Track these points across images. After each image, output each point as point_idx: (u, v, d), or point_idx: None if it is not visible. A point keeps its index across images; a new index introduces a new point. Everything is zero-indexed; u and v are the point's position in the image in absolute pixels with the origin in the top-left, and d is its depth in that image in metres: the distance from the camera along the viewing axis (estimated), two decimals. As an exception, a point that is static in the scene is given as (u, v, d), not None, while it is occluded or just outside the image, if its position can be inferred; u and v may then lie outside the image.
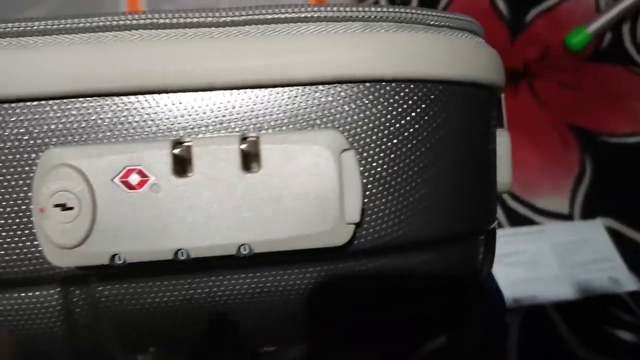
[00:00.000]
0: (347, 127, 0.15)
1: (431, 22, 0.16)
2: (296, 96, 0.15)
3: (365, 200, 0.15)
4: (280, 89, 0.15)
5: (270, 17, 0.15)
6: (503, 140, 0.21)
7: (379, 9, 0.15)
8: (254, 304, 0.16)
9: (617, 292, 0.47)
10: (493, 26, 0.68)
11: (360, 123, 0.15)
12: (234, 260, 0.14)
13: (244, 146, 0.14)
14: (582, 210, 0.53)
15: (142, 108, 0.14)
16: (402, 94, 0.15)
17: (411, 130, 0.15)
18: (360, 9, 0.15)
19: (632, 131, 0.57)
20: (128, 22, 0.14)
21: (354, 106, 0.15)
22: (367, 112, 0.15)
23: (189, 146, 0.14)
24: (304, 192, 0.14)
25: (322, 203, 0.14)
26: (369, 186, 0.15)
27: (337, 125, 0.15)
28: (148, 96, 0.14)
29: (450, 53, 0.15)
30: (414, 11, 0.16)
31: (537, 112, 0.60)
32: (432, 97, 0.16)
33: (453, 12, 0.17)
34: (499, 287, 0.29)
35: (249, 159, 0.14)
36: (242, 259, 0.14)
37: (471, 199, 0.17)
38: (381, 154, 0.15)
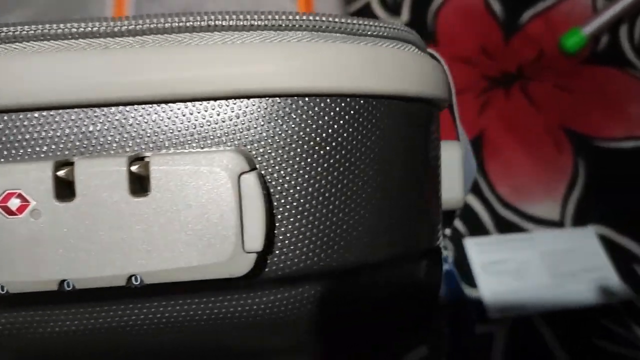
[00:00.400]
0: (255, 145, 0.14)
1: (355, 31, 0.15)
2: (195, 112, 0.13)
3: (277, 225, 0.14)
4: (177, 104, 0.13)
5: (171, 25, 0.14)
6: (451, 154, 0.19)
7: (294, 17, 0.14)
8: (156, 335, 0.14)
9: (609, 303, 0.46)
10: (487, 27, 0.66)
11: (269, 141, 0.14)
12: (128, 289, 0.13)
13: (134, 168, 0.13)
14: (573, 217, 0.51)
15: (25, 126, 0.13)
16: (316, 109, 0.14)
17: (328, 148, 0.14)
18: (274, 16, 0.14)
19: (627, 135, 0.55)
20: (3, 34, 0.13)
21: (262, 123, 0.14)
22: (277, 129, 0.14)
23: (73, 167, 0.13)
24: (198, 218, 0.13)
25: (219, 231, 0.13)
26: (281, 209, 0.14)
27: (243, 144, 0.14)
28: (34, 113, 0.13)
29: (370, 65, 0.14)
30: (334, 20, 0.14)
31: (531, 115, 0.58)
32: (351, 112, 0.14)
33: (385, 20, 0.16)
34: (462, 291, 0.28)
35: (139, 182, 0.13)
36: (139, 288, 0.13)
37: (405, 220, 0.16)
38: (294, 175, 0.14)
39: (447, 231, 0.26)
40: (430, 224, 0.18)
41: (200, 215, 0.13)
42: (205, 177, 0.13)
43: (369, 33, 0.15)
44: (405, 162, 0.16)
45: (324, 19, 0.14)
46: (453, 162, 0.19)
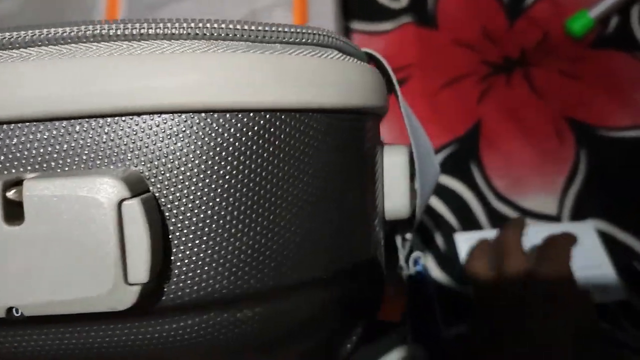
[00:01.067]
0: (148, 165, 0.13)
1: (263, 39, 0.13)
2: (82, 132, 0.12)
3: (175, 250, 0.13)
4: (63, 122, 0.12)
5: (62, 34, 0.13)
6: (395, 160, 0.18)
7: (189, 25, 0.13)
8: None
9: (604, 302, 0.44)
10: (490, 10, 0.63)
11: (163, 161, 0.13)
12: (12, 320, 0.12)
13: (10, 193, 0.12)
14: (572, 211, 0.48)
15: None
16: (214, 125, 0.13)
17: (229, 168, 0.13)
18: (165, 24, 0.13)
19: (632, 124, 0.52)
20: None
21: (154, 141, 0.13)
22: (173, 148, 0.13)
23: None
24: (76, 249, 0.12)
25: (98, 262, 0.12)
26: (178, 234, 0.13)
27: (135, 164, 0.13)
28: None
29: (274, 76, 0.13)
30: (235, 27, 0.13)
31: (532, 103, 0.55)
32: (255, 128, 0.13)
33: (303, 26, 0.14)
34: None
35: (16, 209, 0.12)
36: (22, 319, 0.12)
37: (323, 239, 0.15)
38: (192, 197, 0.13)
39: (408, 235, 0.24)
40: (365, 238, 0.16)
41: (78, 246, 0.12)
42: (83, 205, 0.12)
43: (280, 40, 0.14)
44: (325, 178, 0.14)
45: (223, 26, 0.13)
46: (397, 169, 0.18)
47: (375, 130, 0.17)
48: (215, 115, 0.13)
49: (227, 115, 0.13)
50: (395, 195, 0.18)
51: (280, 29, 0.13)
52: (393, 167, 0.18)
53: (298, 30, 0.14)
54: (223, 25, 0.13)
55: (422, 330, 0.25)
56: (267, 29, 0.13)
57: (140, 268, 0.12)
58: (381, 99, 0.16)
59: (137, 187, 0.12)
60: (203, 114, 0.12)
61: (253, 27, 0.13)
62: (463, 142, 0.53)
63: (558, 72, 0.57)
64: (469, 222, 0.48)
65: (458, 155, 0.52)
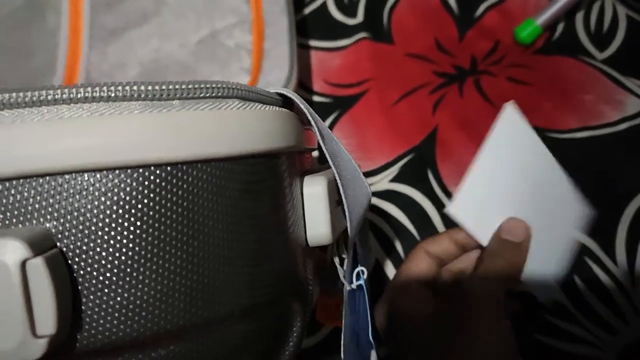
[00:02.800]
0: (54, 223, 0.13)
1: (161, 97, 0.14)
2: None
3: (85, 300, 0.14)
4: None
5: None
6: (313, 193, 0.19)
7: (83, 89, 0.14)
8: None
9: (558, 300, 0.45)
10: (442, 22, 0.65)
11: (69, 217, 0.13)
12: None
13: None
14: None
15: None
16: (115, 181, 0.14)
17: (132, 219, 0.14)
18: (66, 90, 0.14)
19: (581, 125, 0.54)
20: None
21: (59, 200, 0.13)
22: (77, 205, 0.13)
23: None
24: (-16, 306, 0.12)
25: (5, 318, 0.12)
26: (87, 284, 0.14)
27: (42, 222, 0.13)
28: None
29: (171, 132, 0.14)
30: (136, 88, 0.14)
31: (484, 111, 0.57)
32: (157, 181, 0.14)
33: (201, 81, 0.15)
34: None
35: None
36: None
37: (243, 275, 0.16)
38: (98, 249, 0.14)
39: (344, 256, 0.25)
40: (275, 272, 0.17)
41: (-14, 303, 0.12)
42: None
43: (179, 96, 0.15)
44: (232, 221, 0.15)
45: (120, 88, 0.14)
46: (316, 200, 0.19)
47: (287, 166, 0.18)
48: (116, 172, 0.13)
49: (128, 172, 0.13)
50: (316, 224, 0.19)
51: (177, 87, 0.14)
52: (312, 198, 0.19)
53: (196, 86, 0.15)
54: (120, 88, 0.14)
55: (356, 342, 0.26)
56: (163, 87, 0.14)
57: (47, 321, 0.13)
58: (290, 138, 0.17)
59: (42, 245, 0.13)
60: (105, 171, 0.13)
61: (150, 87, 0.14)
62: (420, 151, 0.54)
63: (507, 79, 0.59)
64: (427, 229, 0.49)
65: (415, 163, 0.53)
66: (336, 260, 0.26)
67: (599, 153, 0.52)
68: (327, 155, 0.21)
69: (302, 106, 0.19)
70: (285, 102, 0.21)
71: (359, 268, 0.30)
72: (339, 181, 0.22)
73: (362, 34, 0.64)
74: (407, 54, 0.62)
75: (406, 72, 0.61)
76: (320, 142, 0.20)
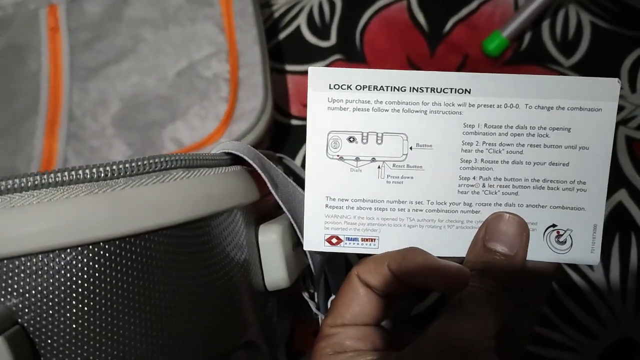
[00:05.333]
0: (15, 301, 0.14)
1: (105, 177, 0.15)
2: None
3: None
4: None
5: None
6: (268, 241, 0.20)
7: (32, 178, 0.15)
8: None
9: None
10: (413, 40, 0.66)
11: (27, 295, 0.14)
12: None
13: None
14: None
15: None
16: (67, 259, 0.14)
17: (86, 293, 0.15)
18: (17, 179, 0.15)
19: (551, 134, 0.55)
20: None
21: (17, 279, 0.14)
22: (33, 284, 0.14)
23: None
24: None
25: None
26: (48, 355, 0.15)
27: (6, 299, 0.14)
28: None
29: (113, 210, 0.15)
30: (80, 172, 0.15)
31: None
32: (102, 258, 0.15)
33: (146, 157, 0.16)
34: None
35: None
36: None
37: (198, 333, 0.16)
38: (56, 323, 0.14)
39: (311, 291, 0.26)
40: (229, 326, 0.18)
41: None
42: None
43: (123, 174, 0.15)
44: (183, 284, 0.16)
45: (66, 173, 0.15)
46: (271, 247, 0.20)
47: (239, 221, 0.19)
48: (68, 251, 0.14)
49: (78, 249, 0.14)
50: (273, 270, 0.20)
51: (121, 166, 0.15)
52: (267, 246, 0.20)
53: (139, 163, 0.16)
54: (66, 173, 0.15)
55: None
56: (107, 168, 0.15)
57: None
58: (237, 196, 0.18)
59: (3, 323, 0.14)
60: (57, 251, 0.14)
61: (95, 170, 0.15)
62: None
63: (479, 92, 0.60)
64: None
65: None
66: (305, 295, 0.27)
67: (569, 159, 0.53)
68: (281, 204, 0.22)
69: (250, 161, 0.20)
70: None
71: (333, 297, 0.31)
72: (295, 226, 0.23)
73: (336, 56, 0.66)
74: (381, 72, 0.64)
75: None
76: (273, 192, 0.21)
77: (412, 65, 0.63)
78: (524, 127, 0.22)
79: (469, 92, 0.22)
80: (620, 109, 0.56)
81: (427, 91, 0.22)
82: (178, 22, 0.65)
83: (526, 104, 0.22)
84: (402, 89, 0.22)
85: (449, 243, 0.23)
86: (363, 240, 0.22)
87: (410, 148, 0.22)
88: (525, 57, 0.62)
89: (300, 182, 0.47)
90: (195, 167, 0.17)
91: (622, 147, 0.53)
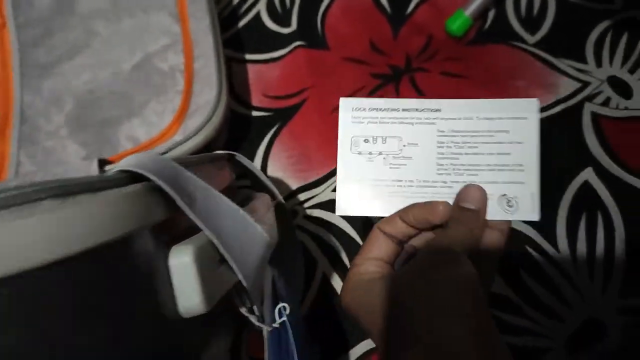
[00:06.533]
0: None
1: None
2: None
3: None
4: None
5: None
6: (180, 263, 0.17)
7: None
8: None
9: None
10: (376, 23, 0.63)
11: None
12: None
13: None
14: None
15: None
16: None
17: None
18: None
19: (516, 113, 0.53)
20: None
21: None
22: None
23: None
24: None
25: None
26: None
27: None
28: None
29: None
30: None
31: (422, 108, 0.55)
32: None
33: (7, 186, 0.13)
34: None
35: None
36: None
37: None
38: None
39: (255, 309, 0.24)
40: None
41: None
42: None
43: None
44: (75, 322, 0.14)
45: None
46: (183, 270, 0.17)
47: (140, 245, 0.17)
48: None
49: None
50: (186, 295, 0.17)
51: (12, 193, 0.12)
52: (179, 269, 0.17)
53: (25, 189, 0.13)
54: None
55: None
56: None
57: None
58: (129, 222, 0.15)
59: None
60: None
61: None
62: (361, 157, 0.53)
63: (442, 74, 0.57)
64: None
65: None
66: (243, 310, 0.24)
67: (535, 139, 0.51)
68: (197, 221, 0.19)
69: (151, 177, 0.17)
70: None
71: (280, 305, 0.28)
72: (216, 241, 0.20)
73: (298, 42, 0.62)
74: (343, 58, 0.61)
75: (343, 77, 0.59)
76: (185, 209, 0.18)
77: (375, 49, 0.60)
78: (478, 131, 0.33)
79: (440, 111, 0.33)
80: (586, 84, 0.53)
81: (412, 110, 0.33)
82: (131, 13, 0.61)
83: (477, 117, 0.33)
84: (397, 110, 0.33)
85: None
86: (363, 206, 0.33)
87: (404, 145, 0.33)
88: (489, 35, 0.59)
89: (256, 180, 0.44)
90: (72, 194, 0.14)
91: (588, 124, 0.51)
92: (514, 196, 0.32)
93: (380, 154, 0.33)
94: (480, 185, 0.31)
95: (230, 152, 0.40)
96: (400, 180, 0.33)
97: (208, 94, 0.51)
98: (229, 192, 0.41)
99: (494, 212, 0.32)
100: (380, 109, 0.33)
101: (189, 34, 0.56)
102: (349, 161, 0.33)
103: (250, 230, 0.23)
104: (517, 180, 0.32)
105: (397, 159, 0.33)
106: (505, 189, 0.32)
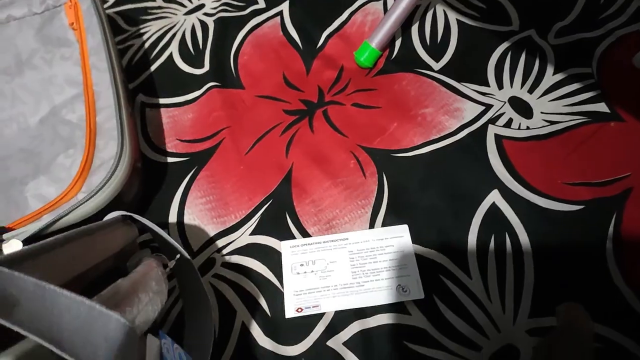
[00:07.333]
0: None
1: None
2: None
3: None
4: None
5: None
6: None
7: None
8: None
9: (403, 301, 0.44)
10: (289, 58, 0.62)
11: None
12: None
13: None
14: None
15: None
16: None
17: None
18: None
19: (425, 140, 0.53)
20: None
21: None
22: None
23: None
24: None
25: None
26: None
27: None
28: None
29: None
30: None
31: (335, 142, 0.55)
32: None
33: None
34: None
35: None
36: None
37: None
38: None
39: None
40: None
41: None
42: None
43: None
44: None
45: None
46: None
47: None
48: None
49: None
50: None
51: None
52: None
53: None
54: None
55: None
56: None
57: None
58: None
59: None
60: None
61: None
62: (277, 196, 0.51)
63: (354, 106, 0.57)
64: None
65: (274, 210, 0.51)
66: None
67: (444, 165, 0.51)
68: (16, 328, 0.17)
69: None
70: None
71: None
72: (46, 343, 0.18)
73: (212, 83, 0.61)
74: (258, 96, 0.59)
75: (259, 115, 0.58)
76: (1, 321, 0.16)
77: (289, 84, 0.60)
78: (374, 248, 0.47)
79: (348, 239, 0.48)
80: (488, 107, 0.54)
81: (329, 242, 0.48)
82: (34, 66, 0.58)
83: (372, 239, 0.47)
84: (319, 242, 0.48)
85: (351, 302, 0.44)
86: (312, 307, 0.45)
87: (328, 264, 0.47)
88: (397, 64, 0.59)
89: (157, 236, 0.42)
90: None
91: (492, 147, 0.51)
92: (405, 285, 0.45)
93: (312, 271, 0.46)
94: (382, 281, 0.45)
95: (125, 213, 0.38)
96: (328, 286, 0.45)
97: (113, 147, 0.49)
98: (125, 253, 0.39)
99: (395, 297, 0.44)
100: (309, 244, 0.48)
101: (91, 86, 0.53)
102: (292, 280, 0.46)
103: (101, 321, 0.21)
104: (405, 274, 0.45)
105: (324, 273, 0.46)
106: (399, 281, 0.45)
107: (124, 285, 0.28)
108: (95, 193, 0.45)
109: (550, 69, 0.56)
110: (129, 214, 0.38)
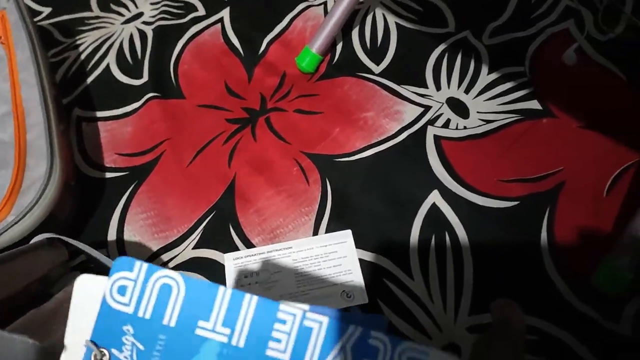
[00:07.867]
0: None
1: None
2: None
3: None
4: None
5: None
6: None
7: None
8: None
9: (348, 307, 0.44)
10: (231, 66, 0.61)
11: None
12: None
13: None
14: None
15: None
16: None
17: None
18: None
19: (367, 144, 0.53)
20: None
21: None
22: None
23: None
24: None
25: None
26: None
27: None
28: None
29: None
30: None
31: (278, 150, 0.54)
32: None
33: None
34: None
35: None
36: None
37: None
38: None
39: None
40: None
41: None
42: None
43: None
44: None
45: None
46: None
47: None
48: None
49: None
50: None
51: None
52: None
53: None
54: None
55: None
56: None
57: None
58: None
59: None
60: None
61: None
62: (220, 208, 0.50)
63: (297, 112, 0.56)
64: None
65: (217, 222, 0.49)
66: None
67: (386, 168, 0.51)
68: None
69: None
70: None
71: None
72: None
73: (151, 94, 0.59)
74: (199, 105, 0.58)
75: (200, 125, 0.56)
76: None
77: (231, 92, 0.59)
78: (318, 255, 0.46)
79: (291, 248, 0.46)
80: (427, 109, 0.55)
81: (273, 251, 0.46)
82: (-40, 83, 0.55)
83: (315, 246, 0.46)
84: (263, 253, 0.46)
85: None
86: None
87: (272, 274, 0.45)
88: (339, 69, 0.59)
89: (89, 256, 0.40)
90: None
91: (432, 148, 0.52)
92: (350, 290, 0.44)
93: (256, 282, 0.45)
94: (326, 288, 0.44)
95: (51, 235, 0.37)
96: (273, 297, 0.39)
97: (42, 166, 0.46)
98: (51, 277, 0.37)
99: (339, 303, 0.44)
100: (252, 255, 0.46)
101: (20, 103, 0.51)
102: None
103: (6, 346, 0.20)
104: (349, 280, 0.45)
105: (268, 284, 0.45)
106: (344, 287, 0.45)
107: (46, 309, 0.27)
108: (24, 215, 0.43)
109: (485, 69, 0.57)
110: (56, 236, 0.36)
